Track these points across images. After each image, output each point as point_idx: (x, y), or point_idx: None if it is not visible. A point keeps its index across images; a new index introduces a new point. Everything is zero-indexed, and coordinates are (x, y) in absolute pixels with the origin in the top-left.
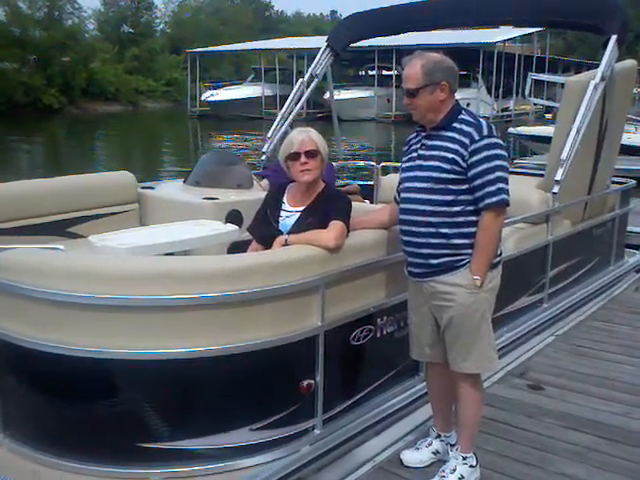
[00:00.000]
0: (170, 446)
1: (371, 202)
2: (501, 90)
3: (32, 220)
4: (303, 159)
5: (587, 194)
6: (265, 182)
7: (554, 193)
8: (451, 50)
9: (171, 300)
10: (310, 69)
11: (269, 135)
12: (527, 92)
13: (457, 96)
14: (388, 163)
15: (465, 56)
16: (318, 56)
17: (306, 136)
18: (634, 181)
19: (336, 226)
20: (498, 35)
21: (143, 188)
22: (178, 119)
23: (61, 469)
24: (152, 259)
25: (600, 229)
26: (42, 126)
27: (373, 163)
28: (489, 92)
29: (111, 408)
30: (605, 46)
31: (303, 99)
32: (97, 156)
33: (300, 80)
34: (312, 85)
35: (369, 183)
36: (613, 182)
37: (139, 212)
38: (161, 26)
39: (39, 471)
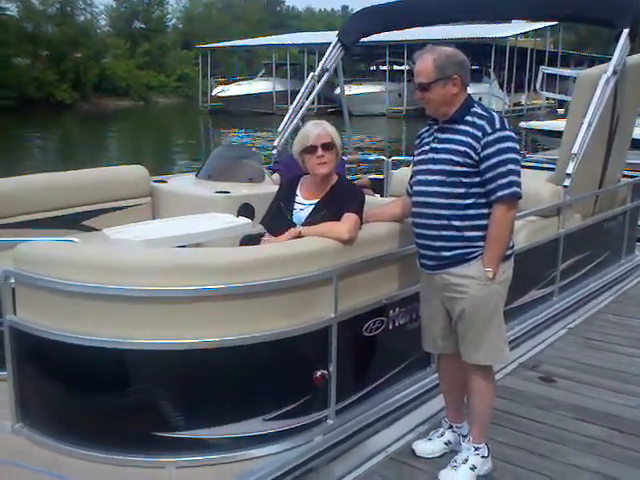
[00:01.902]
0: (185, 435)
1: (382, 196)
2: (513, 85)
3: (46, 213)
4: (320, 152)
5: (598, 188)
6: (276, 176)
7: (565, 186)
8: (463, 44)
9: (186, 291)
10: (321, 63)
11: (280, 129)
12: (538, 86)
13: (469, 91)
14: (399, 157)
15: (477, 50)
16: (329, 51)
17: (322, 129)
18: None
19: (350, 218)
20: (510, 29)
21: (156, 182)
22: (189, 114)
23: (78, 457)
24: (167, 251)
25: (611, 223)
26: (54, 121)
27: (384, 157)
28: (501, 87)
29: (128, 398)
30: (617, 40)
31: (314, 93)
32: (110, 151)
33: (311, 74)
34: (323, 79)
35: (380, 177)
36: (624, 176)
37: (152, 205)
38: (172, 22)
39: (58, 459)
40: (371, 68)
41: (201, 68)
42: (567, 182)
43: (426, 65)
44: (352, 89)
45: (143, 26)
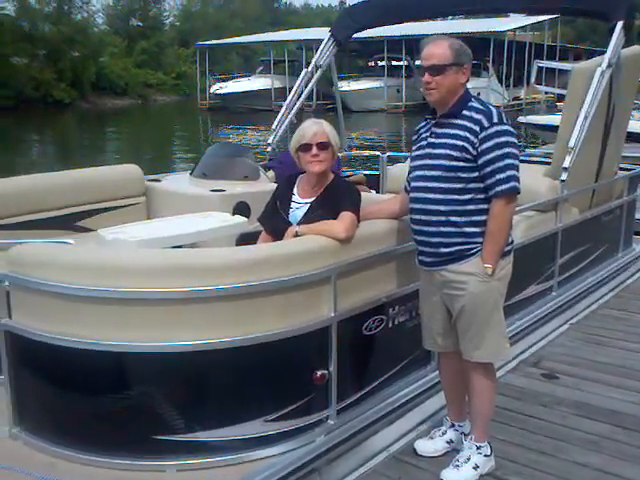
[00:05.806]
0: (185, 438)
1: (377, 192)
2: (512, 79)
3: (41, 214)
4: (314, 151)
5: (595, 181)
6: (272, 173)
7: (562, 181)
8: (461, 39)
9: (183, 293)
10: (313, 60)
11: (274, 126)
12: (532, 79)
13: (467, 85)
14: (395, 152)
15: (475, 45)
16: (321, 46)
17: (319, 128)
18: None
19: (346, 217)
20: (508, 24)
21: (150, 181)
22: (188, 112)
23: (77, 461)
24: (163, 252)
25: (608, 216)
26: (53, 120)
27: (378, 153)
28: (500, 81)
29: (126, 401)
30: (611, 32)
31: (307, 90)
32: (109, 150)
33: (304, 70)
34: (316, 76)
35: (375, 173)
36: (621, 169)
37: (146, 205)
38: (170, 19)
39: (55, 463)
40: (369, 64)
41: (199, 65)
42: (564, 176)
43: (442, 48)
44: (351, 85)
45: (140, 24)
